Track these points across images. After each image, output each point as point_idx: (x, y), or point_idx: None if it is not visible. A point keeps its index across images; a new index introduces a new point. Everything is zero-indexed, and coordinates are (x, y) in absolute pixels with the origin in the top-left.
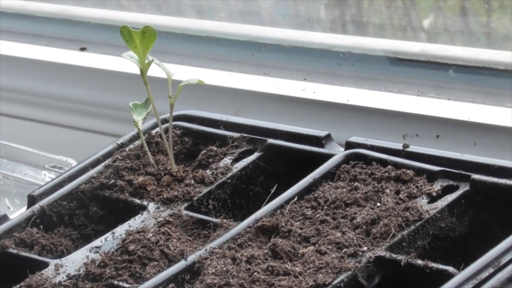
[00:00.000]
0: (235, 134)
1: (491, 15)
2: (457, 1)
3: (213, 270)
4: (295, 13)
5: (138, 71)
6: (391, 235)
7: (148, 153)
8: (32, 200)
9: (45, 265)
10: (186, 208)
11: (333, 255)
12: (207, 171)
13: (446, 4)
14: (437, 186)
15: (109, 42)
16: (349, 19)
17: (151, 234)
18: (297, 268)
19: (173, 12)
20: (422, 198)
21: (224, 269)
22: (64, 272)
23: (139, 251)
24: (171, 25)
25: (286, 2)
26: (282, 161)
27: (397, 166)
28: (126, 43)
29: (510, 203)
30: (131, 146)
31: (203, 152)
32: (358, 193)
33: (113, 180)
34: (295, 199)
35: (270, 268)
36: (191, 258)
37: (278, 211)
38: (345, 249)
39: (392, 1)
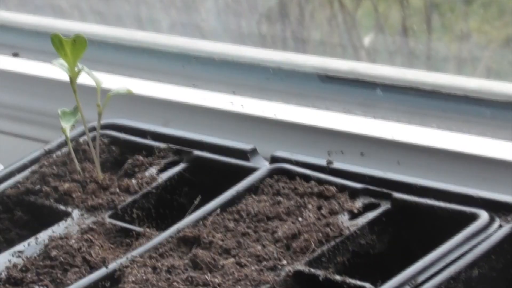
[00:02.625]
0: (162, 145)
1: (431, 34)
2: (398, 21)
3: (133, 279)
4: (236, 26)
5: (68, 79)
6: (311, 250)
7: (75, 160)
8: None
9: None
10: (110, 216)
11: (253, 268)
12: (133, 180)
13: (386, 23)
14: (358, 203)
15: (42, 49)
16: (289, 35)
17: (73, 241)
18: (216, 280)
19: (113, 21)
20: (343, 215)
21: (144, 277)
22: None
23: (61, 257)
24: (105, 34)
25: (227, 15)
26: (207, 173)
27: (320, 182)
28: (56, 50)
29: (430, 223)
30: (58, 153)
31: (129, 161)
32: (280, 207)
33: (39, 186)
34: (218, 211)
35: (189, 279)
36: (112, 265)
37: (201, 222)
38: (264, 262)
39: (332, 19)
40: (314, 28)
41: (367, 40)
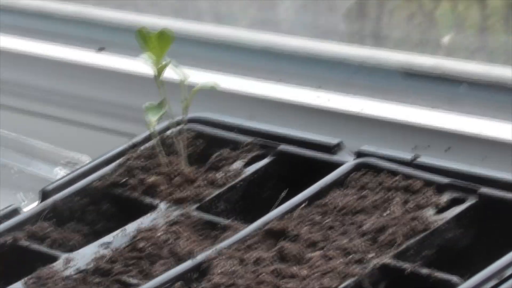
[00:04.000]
0: (248, 139)
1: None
2: (477, 20)
3: (220, 270)
4: (314, 23)
5: (154, 73)
6: (397, 243)
7: (161, 153)
8: (45, 195)
9: (55, 258)
10: (197, 209)
11: (340, 261)
12: (219, 173)
13: (465, 22)
14: (445, 197)
15: (127, 44)
16: (368, 32)
17: (161, 233)
18: (303, 272)
19: (192, 18)
20: (430, 209)
21: (231, 269)
22: (73, 266)
23: (148, 249)
24: (190, 30)
25: (306, 12)
26: (293, 167)
27: (406, 176)
28: (141, 45)
29: None
30: (145, 146)
31: (215, 155)
32: (366, 201)
33: (126, 179)
34: (305, 204)
35: (277, 271)
36: (199, 257)
37: (287, 216)
38: (351, 255)
39: (412, 17)
40: (393, 27)
41: (446, 39)
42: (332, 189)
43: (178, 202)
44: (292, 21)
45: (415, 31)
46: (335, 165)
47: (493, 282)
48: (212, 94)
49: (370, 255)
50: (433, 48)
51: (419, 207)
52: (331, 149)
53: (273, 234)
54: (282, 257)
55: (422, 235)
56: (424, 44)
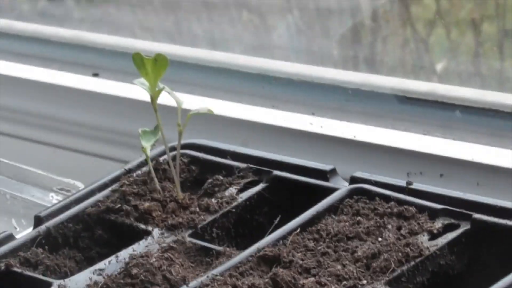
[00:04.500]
0: (242, 165)
1: (504, 60)
2: (471, 46)
3: None
4: (308, 49)
5: (148, 98)
6: (391, 269)
7: (155, 179)
8: (38, 221)
9: (49, 285)
10: (190, 235)
11: (333, 287)
12: (213, 199)
13: (459, 49)
14: (438, 223)
15: (122, 69)
16: (362, 58)
17: (154, 259)
18: None
19: (187, 43)
20: (423, 235)
21: None
22: None
23: (141, 275)
24: (184, 55)
25: (300, 38)
26: (287, 193)
27: (400, 202)
28: (138, 69)
29: (509, 243)
30: (139, 172)
31: (209, 181)
32: (360, 227)
33: (119, 205)
34: (298, 230)
35: None
36: (193, 284)
37: (281, 242)
38: (344, 282)
39: (406, 45)
40: (387, 53)
41: (439, 66)
42: (325, 215)
43: (172, 228)
44: (286, 47)
45: (409, 58)
46: (329, 191)
47: None
48: (206, 119)
49: (363, 282)
50: (427, 74)
51: (413, 233)
52: (325, 175)
53: (266, 261)
54: (276, 283)
55: (415, 261)
56: (418, 70)
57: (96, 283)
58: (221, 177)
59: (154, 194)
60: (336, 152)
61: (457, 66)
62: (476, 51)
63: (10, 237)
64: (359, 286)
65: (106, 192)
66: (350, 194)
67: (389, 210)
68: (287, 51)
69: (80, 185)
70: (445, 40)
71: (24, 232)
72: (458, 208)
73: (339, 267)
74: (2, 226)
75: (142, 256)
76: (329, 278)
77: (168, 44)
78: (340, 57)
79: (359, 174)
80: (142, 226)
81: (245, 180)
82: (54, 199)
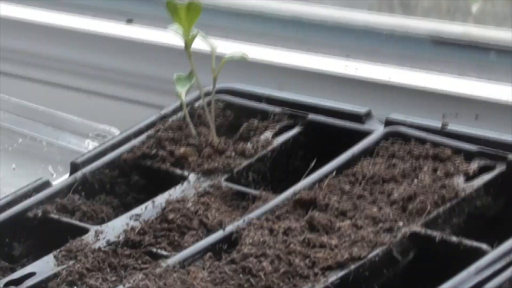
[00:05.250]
0: (277, 109)
1: None
2: None
3: (250, 241)
4: None
5: (183, 44)
6: (427, 211)
7: (190, 124)
8: (74, 168)
9: (86, 231)
10: (226, 180)
11: (369, 230)
12: (248, 144)
13: None
14: (474, 165)
15: (156, 15)
16: (397, 1)
17: (190, 204)
18: (333, 241)
19: None
20: (459, 177)
21: (261, 239)
22: (104, 238)
23: (178, 220)
24: (217, 0)
25: None
26: (322, 137)
27: (435, 144)
28: (171, 16)
29: None
30: (174, 117)
31: (244, 125)
32: (396, 169)
33: (155, 150)
34: (334, 174)
35: (306, 240)
36: (229, 228)
37: (317, 185)
38: (381, 224)
39: None
40: None
41: (475, 7)
42: (361, 158)
43: (208, 173)
44: None
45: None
46: (364, 134)
47: None
48: (241, 64)
49: (399, 224)
50: (463, 16)
51: (448, 175)
52: (360, 118)
53: (302, 204)
54: (312, 227)
55: (451, 203)
56: (454, 12)
57: (133, 228)
58: (256, 121)
59: (190, 139)
60: (371, 94)
61: (492, 8)
62: None
63: (47, 184)
64: (396, 228)
65: (141, 137)
66: (386, 136)
67: (424, 152)
68: None
69: (116, 131)
70: None
71: (60, 179)
72: (494, 149)
73: (375, 209)
74: (39, 172)
75: (178, 201)
76: (366, 221)
77: None
78: (375, 1)
79: (394, 116)
80: (178, 171)
81: (280, 124)
82: (90, 145)
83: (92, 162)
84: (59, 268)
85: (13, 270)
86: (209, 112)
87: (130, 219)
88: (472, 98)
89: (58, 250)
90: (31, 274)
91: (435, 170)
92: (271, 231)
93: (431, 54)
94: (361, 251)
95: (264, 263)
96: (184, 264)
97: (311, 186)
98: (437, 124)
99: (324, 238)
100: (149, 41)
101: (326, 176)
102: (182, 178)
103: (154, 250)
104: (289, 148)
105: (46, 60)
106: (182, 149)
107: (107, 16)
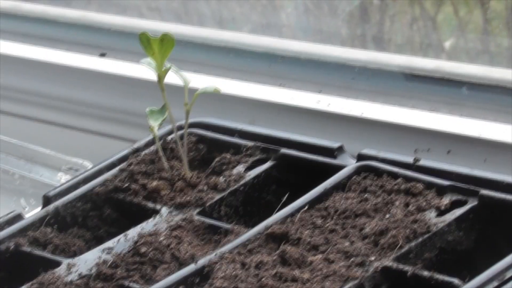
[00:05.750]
0: (249, 143)
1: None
2: (478, 24)
3: (222, 274)
4: (316, 28)
5: (155, 78)
6: (398, 246)
7: (163, 158)
8: (47, 201)
9: (58, 264)
10: (198, 214)
11: (341, 264)
12: (220, 178)
13: (467, 27)
14: (446, 200)
15: (129, 49)
16: (370, 37)
17: (162, 238)
18: (305, 275)
19: (194, 23)
20: (431, 211)
21: (233, 273)
22: (76, 271)
23: (150, 254)
24: (191, 35)
25: (308, 17)
26: (295, 171)
27: (407, 179)
28: (144, 49)
29: None
30: (147, 151)
31: (217, 159)
32: (368, 204)
33: (128, 184)
34: (306, 208)
35: (278, 274)
36: (201, 262)
37: (289, 219)
38: (353, 258)
39: (414, 23)
40: (395, 32)
41: (448, 44)
42: (333, 193)
43: (180, 206)
44: (294, 25)
45: (418, 36)
46: (336, 169)
47: (494, 284)
48: (213, 98)
49: (371, 258)
50: (435, 53)
51: (420, 209)
52: (332, 152)
53: (274, 238)
54: (284, 260)
55: (423, 237)
56: (426, 48)
57: (105, 261)
58: (228, 155)
59: (162, 173)
60: (344, 129)
61: (465, 44)
62: (484, 29)
63: (19, 217)
64: (367, 262)
65: (114, 171)
66: (358, 171)
67: (396, 186)
68: (294, 30)
69: (88, 165)
70: (453, 18)
71: (33, 212)
72: (466, 184)
73: (347, 244)
74: (11, 205)
75: (150, 235)
76: (338, 255)
77: (175, 24)
78: (348, 36)
79: (366, 151)
80: (151, 204)
81: (253, 158)
82: (62, 179)
83: (64, 195)
84: None
85: None
86: (181, 145)
87: (103, 252)
88: (444, 133)
89: (30, 283)
90: None
91: (407, 205)
92: (243, 265)
93: (403, 89)
94: (333, 285)
95: None
96: None
97: (283, 220)
98: (409, 159)
99: (296, 272)
100: (122, 75)
101: (298, 210)
102: (155, 212)
103: (126, 283)
104: (262, 182)
105: (18, 93)
106: (154, 183)
107: (80, 50)
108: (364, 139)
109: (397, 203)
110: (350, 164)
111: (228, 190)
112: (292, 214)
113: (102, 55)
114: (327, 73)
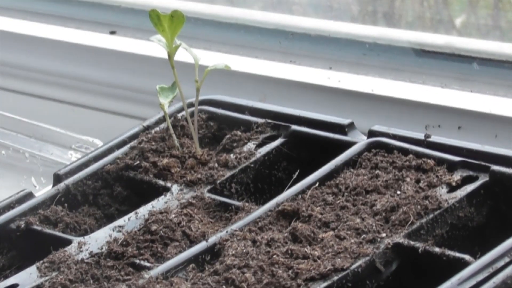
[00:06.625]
0: (260, 120)
1: None
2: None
3: (233, 252)
4: (327, 5)
5: (165, 55)
6: (409, 222)
7: (173, 136)
8: (57, 179)
9: (69, 242)
10: (209, 191)
11: (352, 241)
12: (231, 155)
13: (478, 3)
14: (456, 176)
15: (139, 26)
16: (380, 13)
17: (173, 215)
18: (316, 252)
19: (204, 0)
20: (442, 188)
21: (244, 251)
22: (87, 249)
23: (161, 231)
24: (201, 11)
25: None
26: (305, 148)
27: (418, 155)
28: (154, 26)
29: None
30: (157, 128)
31: (227, 136)
32: (378, 180)
33: (138, 162)
34: (317, 185)
35: (289, 251)
36: (212, 239)
37: (299, 196)
38: (364, 235)
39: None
40: (406, 8)
41: (458, 20)
42: (344, 169)
43: (191, 184)
44: (304, 2)
45: (428, 12)
46: (347, 145)
47: (505, 260)
48: (223, 75)
49: (382, 235)
50: (446, 30)
51: (431, 186)
52: (343, 129)
53: (285, 215)
54: (295, 238)
55: (434, 213)
56: (437, 25)
57: (115, 239)
58: (239, 133)
59: (173, 151)
60: (354, 106)
61: (476, 20)
62: (495, 5)
63: (30, 195)
64: (378, 239)
65: (124, 149)
66: (368, 147)
67: (407, 163)
68: (305, 7)
69: (99, 143)
70: None
71: (43, 190)
72: (477, 160)
73: (358, 220)
74: (21, 184)
75: (161, 212)
76: (348, 232)
77: (185, 1)
78: (359, 12)
79: (377, 127)
80: (161, 182)
81: (264, 135)
82: (73, 157)
83: (75, 173)
84: (42, 279)
85: None
86: (192, 123)
87: (113, 230)
88: (455, 109)
89: (41, 261)
90: (14, 286)
91: (418, 181)
92: (254, 242)
93: (414, 65)
94: (344, 262)
95: (247, 274)
96: (167, 275)
97: (294, 197)
98: (420, 135)
99: (307, 249)
100: (132, 52)
101: (309, 187)
102: (165, 190)
103: (137, 261)
104: (272, 159)
105: (29, 71)
106: (165, 160)
107: (90, 28)
108: (375, 116)
109: (408, 179)
110: (360, 141)
111: (239, 168)
112: (303, 191)
113: (112, 32)
114: (338, 50)
